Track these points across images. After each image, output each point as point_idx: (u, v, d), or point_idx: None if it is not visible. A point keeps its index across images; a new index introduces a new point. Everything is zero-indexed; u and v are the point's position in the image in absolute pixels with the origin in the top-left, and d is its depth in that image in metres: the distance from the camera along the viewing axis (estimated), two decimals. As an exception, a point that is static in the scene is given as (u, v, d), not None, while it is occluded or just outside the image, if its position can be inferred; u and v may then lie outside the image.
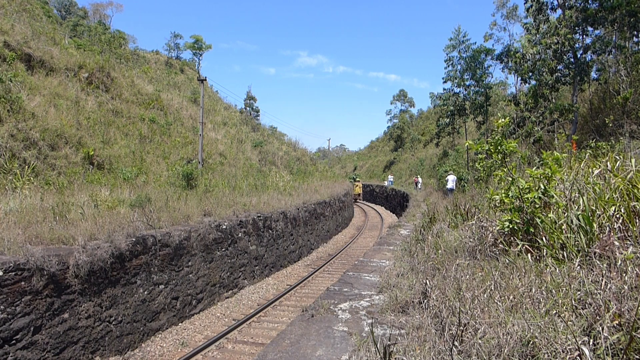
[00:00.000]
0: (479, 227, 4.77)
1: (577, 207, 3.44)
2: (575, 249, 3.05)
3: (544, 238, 3.41)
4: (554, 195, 3.71)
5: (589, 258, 2.78)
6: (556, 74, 16.40)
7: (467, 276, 3.27)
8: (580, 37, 16.20)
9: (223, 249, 11.03)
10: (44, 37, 19.29)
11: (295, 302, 10.70)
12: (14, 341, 5.62)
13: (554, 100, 17.48)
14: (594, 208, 3.33)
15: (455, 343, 2.38)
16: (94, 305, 6.95)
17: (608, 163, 4.31)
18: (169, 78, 39.27)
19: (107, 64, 20.51)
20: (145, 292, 8.16)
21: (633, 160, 3.67)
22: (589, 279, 2.46)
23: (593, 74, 17.64)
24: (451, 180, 19.22)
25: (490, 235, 4.28)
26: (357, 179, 50.91)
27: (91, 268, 6.84)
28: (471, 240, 4.55)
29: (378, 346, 2.72)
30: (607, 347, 1.88)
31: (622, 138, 10.40)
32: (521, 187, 3.81)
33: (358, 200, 45.96)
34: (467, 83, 31.39)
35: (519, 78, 20.72)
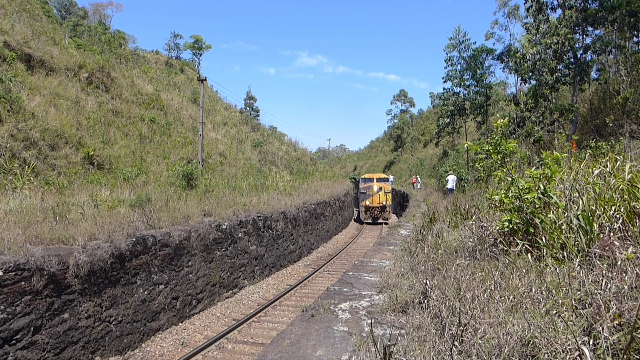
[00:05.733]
0: (479, 227, 4.77)
1: (577, 207, 3.44)
2: (575, 249, 3.05)
3: (543, 238, 3.41)
4: (554, 195, 3.71)
5: (589, 258, 2.78)
6: (556, 74, 16.41)
7: (467, 276, 3.27)
8: (580, 37, 16.20)
9: (223, 249, 11.03)
10: (44, 37, 19.28)
11: (295, 302, 10.70)
12: (14, 341, 5.61)
13: (554, 100, 17.49)
14: (594, 208, 3.33)
15: (455, 343, 2.38)
16: (94, 305, 6.95)
17: (608, 163, 4.30)
18: (169, 78, 39.26)
19: (107, 64, 20.51)
20: (145, 292, 8.16)
21: (627, 166, 3.66)
22: (589, 279, 2.46)
23: (593, 74, 17.66)
24: (451, 180, 19.23)
25: (490, 235, 4.28)
26: (385, 177, 29.63)
27: (91, 268, 6.83)
28: (471, 240, 4.55)
29: (378, 346, 2.72)
30: (607, 347, 1.88)
31: (622, 138, 10.40)
32: (521, 187, 3.81)
33: (381, 220, 26.26)
34: (467, 83, 31.43)
35: (519, 78, 20.75)
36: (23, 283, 5.81)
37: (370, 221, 26.32)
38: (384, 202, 26.32)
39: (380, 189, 26.34)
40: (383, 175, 30.19)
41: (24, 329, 5.75)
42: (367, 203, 26.45)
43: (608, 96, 14.46)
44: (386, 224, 25.44)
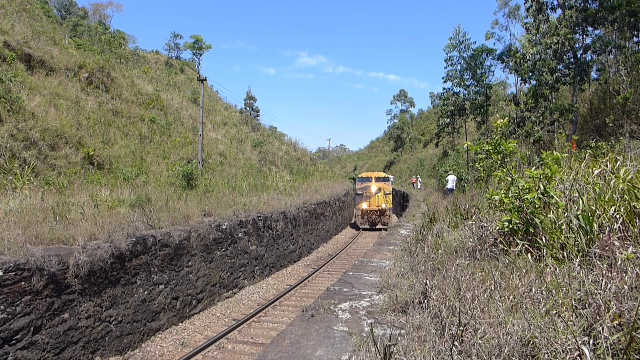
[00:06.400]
0: (479, 227, 4.77)
1: (577, 207, 3.44)
2: (575, 249, 3.05)
3: (544, 238, 3.41)
4: (554, 195, 3.71)
5: (589, 258, 2.78)
6: (556, 74, 16.42)
7: (467, 276, 3.27)
8: (580, 37, 16.22)
9: (223, 249, 11.03)
10: (44, 37, 19.28)
11: (295, 302, 10.69)
12: (14, 341, 5.61)
13: (554, 100, 17.50)
14: (594, 208, 3.33)
15: (455, 343, 2.38)
16: (94, 305, 6.95)
17: (608, 163, 4.30)
18: (169, 78, 39.28)
19: (107, 64, 20.51)
20: (145, 292, 8.16)
21: (623, 170, 3.67)
22: (589, 279, 2.46)
23: (593, 74, 17.69)
24: (451, 180, 19.23)
25: (490, 235, 4.28)
26: (386, 176, 25.86)
27: (91, 268, 6.83)
28: (471, 240, 4.55)
29: (378, 346, 2.72)
30: (607, 347, 1.88)
31: (622, 138, 10.39)
32: (521, 187, 3.81)
33: (380, 226, 22.80)
34: (467, 83, 31.46)
35: (519, 78, 20.78)
36: (23, 283, 5.81)
37: (368, 227, 23.15)
38: (384, 205, 22.82)
39: (380, 189, 23.00)
40: (383, 174, 26.25)
41: (24, 329, 5.75)
42: (364, 206, 23.12)
43: (608, 96, 14.46)
44: (385, 229, 21.74)
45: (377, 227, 22.92)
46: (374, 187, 23.21)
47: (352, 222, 27.69)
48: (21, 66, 15.14)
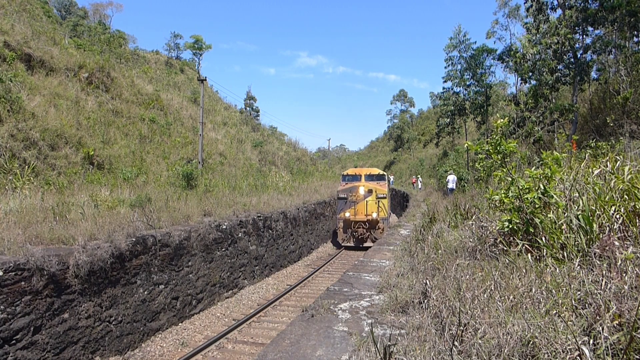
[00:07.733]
0: (479, 227, 4.76)
1: (577, 207, 3.44)
2: (575, 249, 3.05)
3: (543, 238, 3.41)
4: (554, 195, 3.71)
5: (589, 258, 2.78)
6: (556, 74, 16.43)
7: (467, 276, 3.27)
8: (580, 37, 16.24)
9: (223, 249, 11.03)
10: (44, 37, 19.30)
11: (295, 302, 10.69)
12: (14, 341, 5.61)
13: (554, 100, 17.51)
14: (594, 208, 3.33)
15: (455, 343, 2.38)
16: (94, 305, 6.95)
17: (608, 163, 4.30)
18: (169, 78, 39.28)
19: (107, 64, 20.52)
20: (145, 292, 8.16)
21: (627, 167, 3.67)
22: (589, 279, 2.46)
23: (593, 74, 17.71)
24: (451, 181, 19.23)
25: (490, 235, 4.28)
26: (381, 174, 18.60)
27: (91, 268, 6.83)
28: (471, 240, 4.55)
29: (378, 346, 2.72)
30: (607, 347, 1.88)
31: (622, 138, 10.40)
32: (521, 187, 3.81)
33: (369, 243, 16.29)
34: (468, 83, 31.47)
35: (519, 78, 20.77)
36: (23, 283, 5.81)
37: (352, 244, 17.00)
38: (375, 214, 16.33)
39: (370, 191, 16.62)
40: (376, 171, 18.90)
41: (24, 329, 5.75)
42: (347, 215, 16.78)
43: (608, 96, 14.47)
44: (382, 228, 16.49)
45: (364, 245, 16.65)
46: (362, 188, 16.70)
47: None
48: (21, 66, 15.14)
